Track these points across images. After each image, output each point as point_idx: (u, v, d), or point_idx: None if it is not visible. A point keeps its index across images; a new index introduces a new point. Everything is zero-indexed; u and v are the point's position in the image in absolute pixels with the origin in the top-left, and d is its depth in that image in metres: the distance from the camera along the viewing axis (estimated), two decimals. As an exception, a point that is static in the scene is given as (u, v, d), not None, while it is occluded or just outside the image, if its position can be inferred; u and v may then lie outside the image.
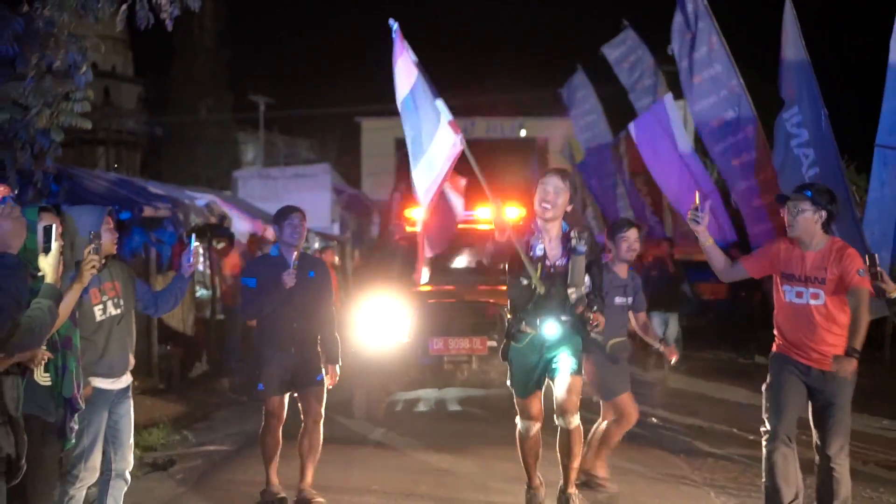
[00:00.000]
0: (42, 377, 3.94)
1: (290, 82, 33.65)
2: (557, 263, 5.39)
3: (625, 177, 19.41)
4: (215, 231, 11.18)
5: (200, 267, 12.49)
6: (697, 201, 5.19)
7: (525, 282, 5.37)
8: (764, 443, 5.22)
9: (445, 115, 5.68)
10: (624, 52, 17.44)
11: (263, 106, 32.72)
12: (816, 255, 5.16)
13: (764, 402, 5.27)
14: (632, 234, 6.40)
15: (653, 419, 9.11)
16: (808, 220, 5.13)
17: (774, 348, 5.33)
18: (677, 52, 12.37)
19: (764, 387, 5.31)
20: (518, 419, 5.53)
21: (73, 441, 4.25)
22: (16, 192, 6.53)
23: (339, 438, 7.58)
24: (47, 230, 3.65)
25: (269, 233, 11.85)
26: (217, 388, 10.84)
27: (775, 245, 5.33)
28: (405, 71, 5.99)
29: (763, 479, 5.25)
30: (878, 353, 10.60)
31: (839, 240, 5.31)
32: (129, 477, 5.03)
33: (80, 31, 7.58)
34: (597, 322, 5.26)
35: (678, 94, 14.51)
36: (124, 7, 7.43)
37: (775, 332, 5.32)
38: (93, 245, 4.02)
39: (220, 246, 12.18)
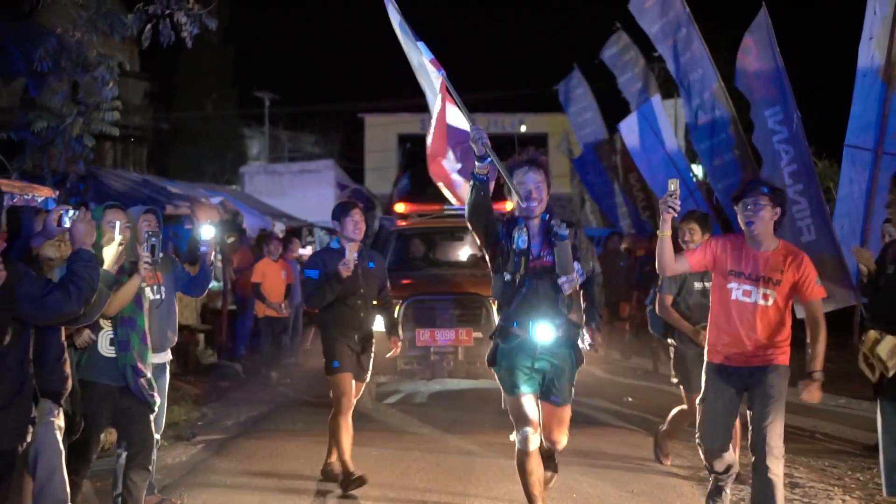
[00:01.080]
0: (106, 350, 4.88)
1: (295, 78, 34.47)
2: (544, 259, 4.96)
3: (618, 173, 20.35)
4: (228, 227, 12.11)
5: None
6: (673, 188, 4.94)
7: (508, 277, 4.95)
8: (701, 454, 5.21)
9: (426, 54, 6.04)
10: (617, 53, 18.29)
11: (268, 102, 33.60)
12: (772, 256, 5.05)
13: (698, 415, 5.23)
14: (686, 226, 6.60)
15: (628, 398, 10.03)
16: (766, 217, 5.02)
17: (707, 356, 5.20)
18: (664, 56, 13.24)
19: (698, 400, 5.25)
20: (514, 433, 5.01)
21: (158, 402, 5.16)
22: (56, 193, 7.49)
23: (307, 452, 7.52)
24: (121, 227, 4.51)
25: (277, 228, 12.77)
26: (229, 373, 11.75)
27: (720, 241, 5.23)
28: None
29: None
30: (849, 340, 11.36)
31: (792, 245, 5.24)
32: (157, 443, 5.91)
33: (107, 50, 8.53)
34: (592, 341, 5.06)
35: (674, 92, 15.36)
36: (149, 27, 8.37)
37: (709, 333, 5.21)
38: (148, 244, 4.93)
39: (230, 241, 13.10)
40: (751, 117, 11.61)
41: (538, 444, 4.98)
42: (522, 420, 4.92)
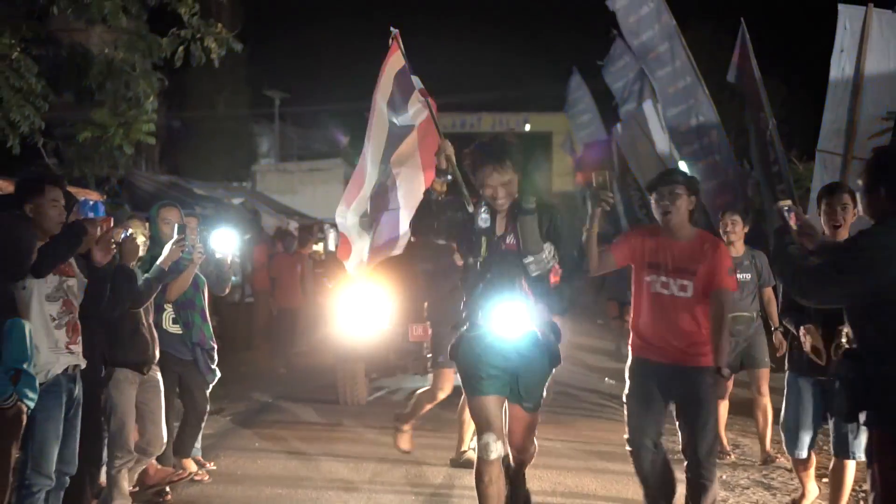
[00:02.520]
0: (172, 327, 6.12)
1: (304, 77, 35.64)
2: (509, 240, 4.56)
3: (615, 173, 21.54)
4: (248, 225, 13.36)
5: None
6: (602, 179, 4.82)
7: (472, 261, 4.59)
8: (629, 452, 5.06)
9: (417, 84, 5.02)
10: (612, 58, 19.42)
11: (279, 101, 34.78)
12: (687, 246, 4.97)
13: (625, 412, 5.09)
14: (728, 217, 6.80)
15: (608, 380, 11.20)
16: (683, 206, 4.95)
17: (631, 351, 5.10)
18: (646, 70, 14.47)
19: (624, 396, 5.12)
20: (473, 440, 4.84)
21: (217, 375, 6.39)
22: (105, 198, 8.76)
23: (320, 424, 8.78)
24: (180, 228, 5.68)
25: (291, 226, 13.98)
26: (246, 359, 13.01)
27: (637, 233, 5.19)
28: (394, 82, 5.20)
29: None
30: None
31: (709, 233, 5.22)
32: None
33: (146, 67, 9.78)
34: (544, 333, 4.58)
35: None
36: (181, 48, 9.61)
37: (631, 328, 5.14)
38: (180, 237, 6.03)
39: (247, 237, 14.34)
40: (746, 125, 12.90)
41: (500, 454, 4.51)
42: (485, 425, 4.49)
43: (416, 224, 4.73)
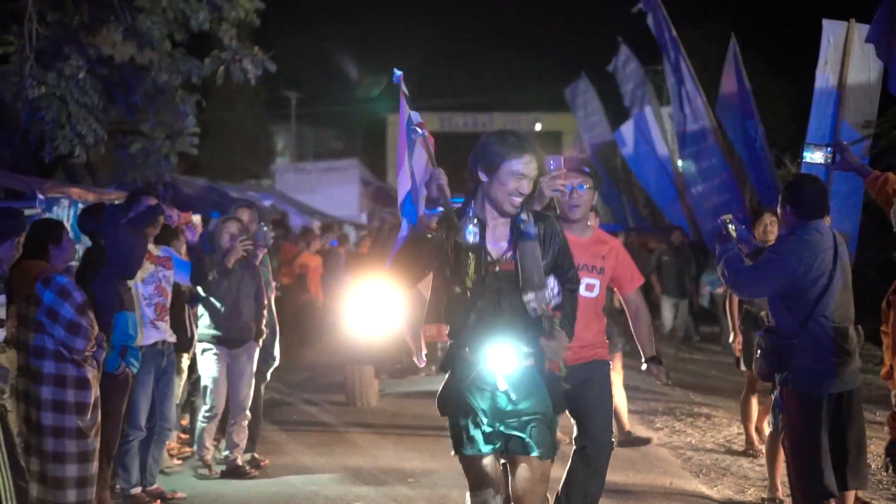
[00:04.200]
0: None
1: (320, 77, 36.91)
2: (505, 257, 3.89)
3: (618, 174, 22.82)
4: (276, 224, 14.63)
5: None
6: (555, 168, 4.51)
7: (458, 289, 3.86)
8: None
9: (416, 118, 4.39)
10: (620, 65, 20.64)
11: (295, 101, 36.11)
12: (589, 242, 4.87)
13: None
14: (767, 217, 6.91)
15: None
16: (589, 200, 4.85)
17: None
18: (667, 68, 15.67)
19: None
20: (467, 496, 3.96)
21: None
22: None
23: (329, 424, 8.92)
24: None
25: (315, 225, 15.26)
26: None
27: None
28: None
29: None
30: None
31: (602, 230, 5.14)
32: None
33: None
34: (552, 367, 3.90)
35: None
36: (221, 69, 10.89)
37: None
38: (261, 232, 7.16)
39: (273, 235, 15.62)
40: (732, 134, 14.09)
41: None
42: (480, 481, 3.87)
43: (397, 264, 3.97)
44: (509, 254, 3.90)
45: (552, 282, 3.95)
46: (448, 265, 3.88)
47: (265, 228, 7.16)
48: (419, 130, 4.24)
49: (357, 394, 9.62)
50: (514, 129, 4.08)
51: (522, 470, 3.86)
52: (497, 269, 3.88)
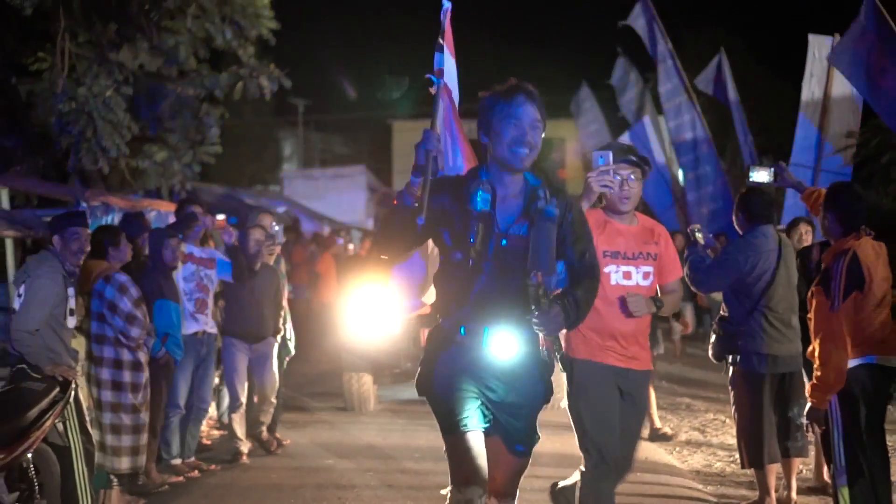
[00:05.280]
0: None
1: (327, 84, 37.88)
2: (512, 231, 3.64)
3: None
4: (288, 229, 15.61)
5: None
6: (605, 164, 4.38)
7: (458, 256, 3.61)
8: (583, 471, 4.61)
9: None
10: (620, 75, 21.55)
11: (302, 108, 37.04)
12: (639, 230, 4.73)
13: (576, 424, 4.61)
14: (801, 227, 7.03)
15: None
16: (638, 189, 4.70)
17: (573, 352, 4.61)
18: (660, 78, 16.64)
19: (567, 404, 4.65)
20: (448, 489, 3.65)
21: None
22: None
23: (325, 431, 9.00)
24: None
25: (326, 230, 16.22)
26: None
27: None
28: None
29: None
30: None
31: (645, 215, 4.90)
32: None
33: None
34: (546, 346, 3.72)
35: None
36: (240, 84, 11.88)
37: (575, 331, 4.49)
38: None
39: (284, 240, 16.63)
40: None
41: None
42: (469, 473, 3.57)
43: (382, 239, 3.79)
44: (520, 227, 3.63)
45: (560, 267, 3.69)
46: (452, 232, 3.63)
47: (276, 228, 8.12)
48: (434, 79, 3.99)
49: (354, 399, 9.74)
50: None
51: (500, 460, 3.71)
52: (504, 241, 3.61)
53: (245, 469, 7.43)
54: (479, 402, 3.65)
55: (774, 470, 5.91)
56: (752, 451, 5.84)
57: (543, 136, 3.73)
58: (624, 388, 4.62)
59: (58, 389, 5.28)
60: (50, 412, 5.19)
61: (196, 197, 13.07)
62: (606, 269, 4.56)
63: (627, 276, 4.66)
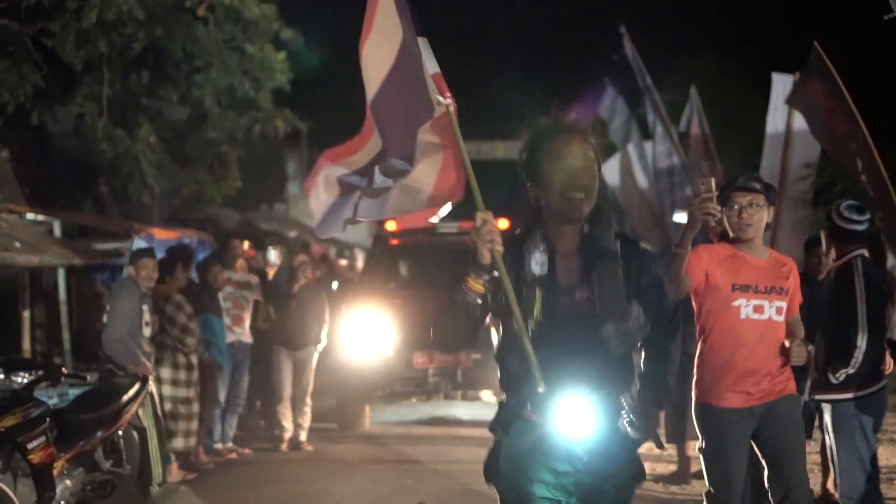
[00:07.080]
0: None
1: (329, 105, 39.74)
2: (580, 295, 3.24)
3: (609, 201, 25.63)
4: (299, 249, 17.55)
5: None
6: (704, 187, 4.17)
7: (517, 326, 3.18)
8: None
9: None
10: (607, 105, 23.32)
11: (306, 130, 38.87)
12: (769, 262, 4.62)
13: (705, 467, 4.61)
14: (816, 252, 6.79)
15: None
16: (763, 217, 4.52)
17: (696, 397, 4.61)
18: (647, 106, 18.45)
19: (699, 447, 4.65)
20: None
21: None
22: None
23: (315, 450, 9.52)
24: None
25: (332, 251, 18.07)
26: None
27: (705, 251, 4.56)
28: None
29: None
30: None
31: (773, 249, 4.89)
32: None
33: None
34: (637, 428, 3.20)
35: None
36: (257, 126, 13.83)
37: (698, 370, 4.58)
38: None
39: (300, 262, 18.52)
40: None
41: None
42: None
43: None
44: (585, 288, 3.23)
45: (636, 310, 3.24)
46: (504, 298, 3.20)
47: (273, 253, 10.36)
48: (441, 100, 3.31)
49: (348, 420, 10.26)
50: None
51: None
52: (572, 303, 3.22)
53: (284, 459, 9.19)
54: (551, 493, 3.21)
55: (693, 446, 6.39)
56: (674, 429, 7.45)
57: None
58: (761, 425, 4.52)
59: (139, 384, 7.18)
60: (133, 401, 7.08)
61: (238, 230, 15.04)
62: (735, 303, 4.51)
63: (759, 310, 4.54)
